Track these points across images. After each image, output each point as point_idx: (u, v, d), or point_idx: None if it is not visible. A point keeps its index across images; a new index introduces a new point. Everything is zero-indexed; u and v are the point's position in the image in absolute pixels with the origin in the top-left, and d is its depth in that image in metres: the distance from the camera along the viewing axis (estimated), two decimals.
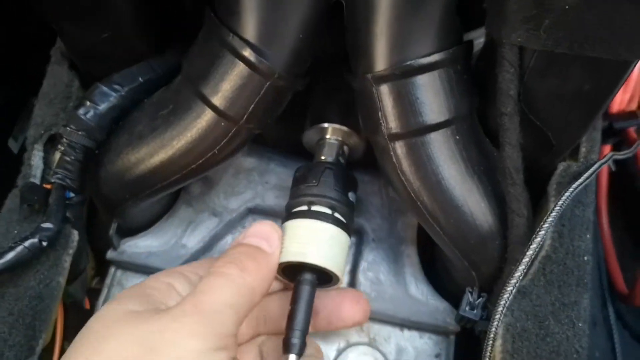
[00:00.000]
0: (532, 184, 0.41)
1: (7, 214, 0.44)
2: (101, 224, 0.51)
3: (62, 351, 0.47)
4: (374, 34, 0.36)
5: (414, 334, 0.49)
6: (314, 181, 0.43)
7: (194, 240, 0.51)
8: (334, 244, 0.41)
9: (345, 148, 0.47)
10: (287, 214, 0.43)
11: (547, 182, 0.45)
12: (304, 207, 0.42)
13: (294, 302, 0.39)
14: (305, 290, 0.39)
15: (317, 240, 0.40)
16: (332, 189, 0.42)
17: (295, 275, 0.41)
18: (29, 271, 0.41)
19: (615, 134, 0.71)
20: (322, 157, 0.46)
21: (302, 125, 0.50)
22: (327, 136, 0.46)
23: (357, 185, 0.46)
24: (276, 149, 0.55)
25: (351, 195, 0.44)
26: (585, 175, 0.42)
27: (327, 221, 0.41)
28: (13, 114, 0.64)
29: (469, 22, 0.52)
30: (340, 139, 0.46)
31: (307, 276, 0.39)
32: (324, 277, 0.41)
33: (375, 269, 0.51)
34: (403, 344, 0.49)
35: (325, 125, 0.46)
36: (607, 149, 0.71)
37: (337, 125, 0.46)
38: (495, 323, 0.39)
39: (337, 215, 0.42)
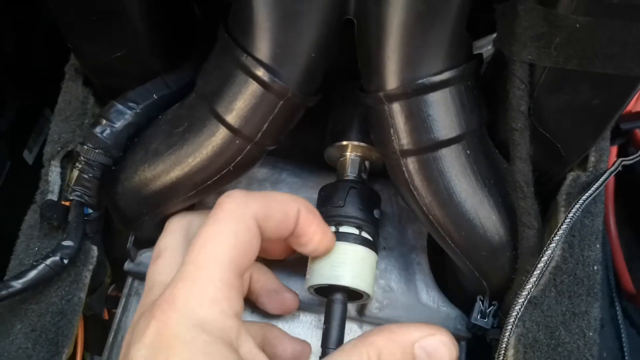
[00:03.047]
0: (540, 192, 0.42)
1: (27, 231, 0.45)
2: (118, 234, 0.52)
3: None
4: (385, 52, 0.37)
5: None
6: (340, 202, 0.44)
7: None
8: (364, 264, 0.42)
9: (367, 163, 0.48)
10: None
11: (555, 191, 0.46)
12: (332, 229, 0.44)
13: (328, 321, 0.41)
14: (337, 309, 0.41)
15: (348, 262, 0.42)
16: (358, 209, 0.44)
17: (326, 293, 0.42)
18: (51, 288, 0.42)
19: (621, 135, 0.71)
20: (345, 175, 0.47)
21: (314, 135, 0.51)
22: (348, 153, 0.47)
23: (380, 200, 0.47)
24: (288, 158, 0.55)
25: (376, 212, 0.45)
26: (595, 186, 0.43)
27: (356, 242, 0.42)
28: (27, 124, 0.65)
29: (476, 30, 0.52)
30: (361, 154, 0.47)
31: (339, 296, 0.41)
32: (354, 294, 0.42)
33: (386, 277, 0.51)
34: None
35: (345, 143, 0.47)
36: (613, 150, 0.71)
37: (357, 143, 0.47)
38: (507, 334, 0.40)
39: (364, 234, 0.44)
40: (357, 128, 0.47)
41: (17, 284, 0.39)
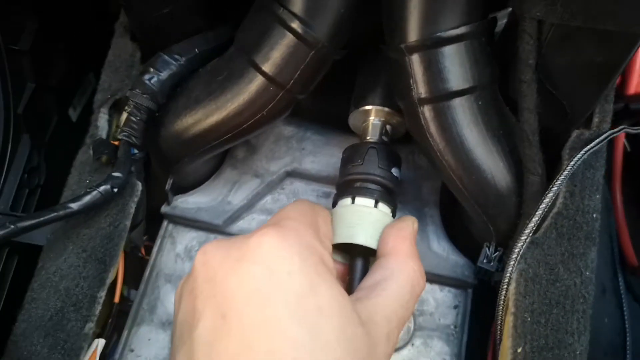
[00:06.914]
0: (548, 151, 0.46)
1: (79, 166, 0.50)
2: (153, 184, 0.57)
3: (121, 292, 0.53)
4: (408, 8, 0.41)
5: (435, 287, 0.54)
6: (359, 160, 0.47)
7: (238, 198, 0.57)
8: (379, 224, 0.44)
9: (388, 127, 0.51)
10: (337, 192, 0.48)
11: (560, 150, 0.50)
12: (352, 186, 0.47)
13: (351, 273, 0.44)
14: (358, 265, 0.44)
15: (364, 223, 0.44)
16: (376, 167, 0.46)
17: (346, 249, 0.45)
18: (100, 214, 0.47)
19: (631, 116, 0.74)
20: (367, 138, 0.50)
21: (338, 100, 0.54)
22: (371, 117, 0.50)
23: (400, 160, 0.49)
24: (312, 121, 0.60)
25: (395, 171, 0.48)
26: (597, 140, 0.47)
27: (372, 197, 0.45)
28: (73, 85, 0.70)
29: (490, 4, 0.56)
30: (383, 119, 0.50)
31: (359, 254, 0.44)
32: (372, 250, 0.44)
33: None
34: (424, 295, 0.54)
35: (369, 107, 0.50)
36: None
37: (379, 107, 0.50)
38: (510, 269, 0.44)
39: (382, 190, 0.46)
40: (380, 93, 0.50)
41: (74, 206, 0.43)
